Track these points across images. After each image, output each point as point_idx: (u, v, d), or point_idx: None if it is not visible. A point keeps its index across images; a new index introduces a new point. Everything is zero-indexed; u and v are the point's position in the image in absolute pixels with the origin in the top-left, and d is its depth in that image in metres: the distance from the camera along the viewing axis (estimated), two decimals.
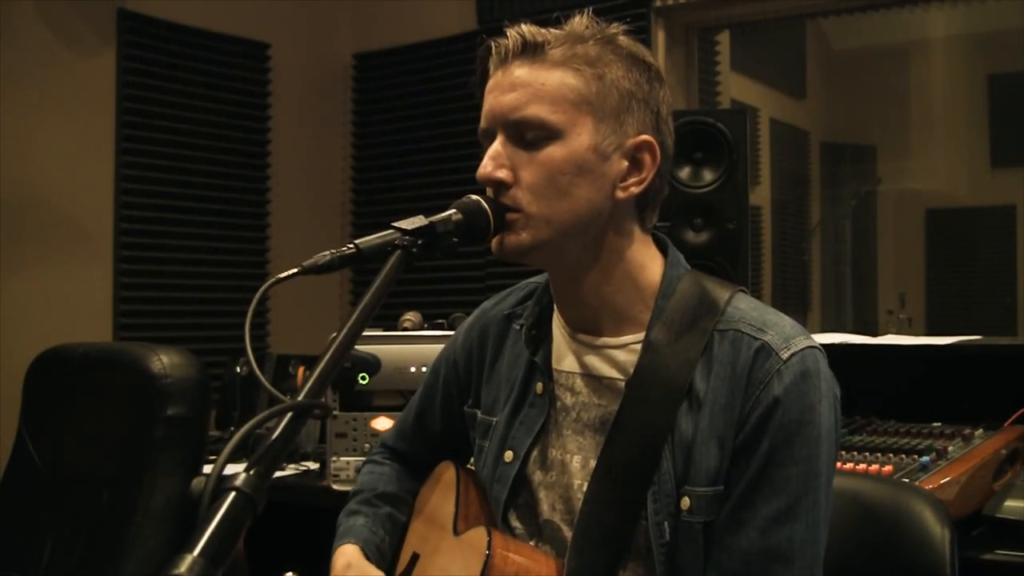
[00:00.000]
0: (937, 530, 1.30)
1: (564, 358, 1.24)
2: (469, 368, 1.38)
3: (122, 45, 3.39)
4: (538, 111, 1.13)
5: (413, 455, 1.48)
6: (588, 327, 1.22)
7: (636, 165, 1.16)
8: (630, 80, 1.16)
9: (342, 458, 2.31)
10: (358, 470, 2.31)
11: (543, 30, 1.17)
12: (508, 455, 1.25)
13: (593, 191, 1.14)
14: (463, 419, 1.39)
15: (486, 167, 1.15)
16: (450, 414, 1.42)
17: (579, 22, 1.18)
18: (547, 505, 1.23)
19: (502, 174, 1.14)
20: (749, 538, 1.07)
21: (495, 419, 1.30)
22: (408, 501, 1.44)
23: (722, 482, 1.10)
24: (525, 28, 1.17)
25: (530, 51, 1.16)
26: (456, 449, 1.42)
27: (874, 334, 2.36)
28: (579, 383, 1.22)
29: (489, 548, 1.14)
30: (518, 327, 1.30)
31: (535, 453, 1.24)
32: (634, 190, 1.16)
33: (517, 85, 1.14)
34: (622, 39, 1.18)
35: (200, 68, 3.62)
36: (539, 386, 1.25)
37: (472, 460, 1.40)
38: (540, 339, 1.26)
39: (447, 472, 1.38)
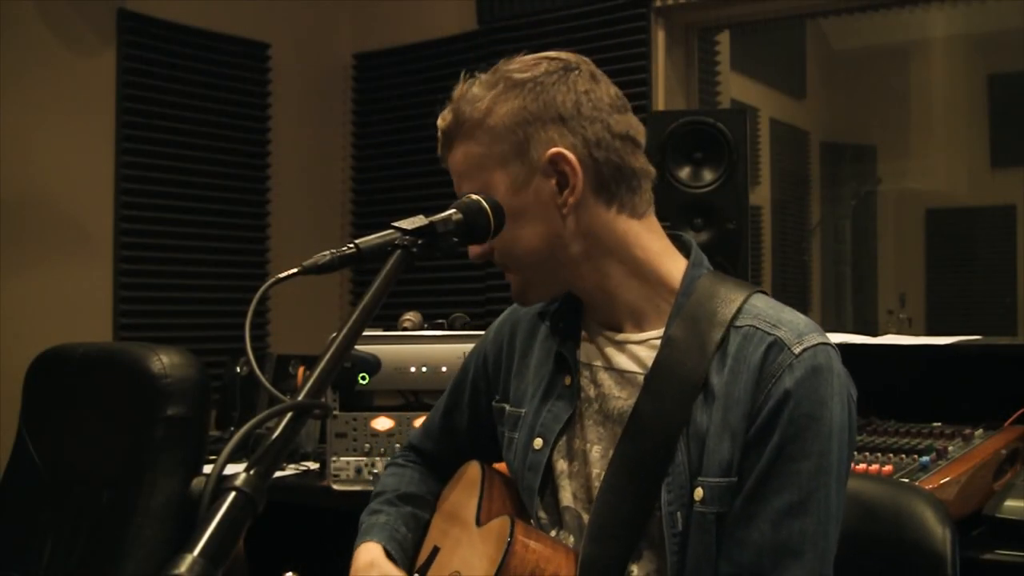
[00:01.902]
0: (938, 531, 1.30)
1: (590, 352, 1.27)
2: (499, 364, 1.40)
3: (122, 45, 3.39)
4: (463, 189, 1.21)
5: (438, 454, 1.50)
6: (611, 324, 1.25)
7: (563, 177, 1.19)
8: (512, 111, 1.19)
9: (342, 458, 2.31)
10: (358, 470, 2.32)
11: (448, 115, 1.25)
12: (538, 443, 1.28)
13: (536, 224, 1.19)
14: (490, 416, 1.41)
15: (470, 254, 1.24)
16: (477, 411, 1.44)
17: (460, 92, 1.24)
18: (569, 493, 1.25)
19: (479, 250, 1.23)
20: (761, 531, 1.09)
21: (524, 410, 1.32)
22: (431, 501, 1.46)
23: (735, 474, 1.11)
24: (439, 123, 1.26)
25: (444, 143, 1.26)
26: (482, 448, 1.43)
27: (874, 334, 2.35)
28: (602, 376, 1.25)
29: (511, 535, 1.15)
30: (547, 322, 1.33)
31: (562, 442, 1.27)
32: (571, 201, 1.19)
33: (452, 174, 1.25)
34: (504, 68, 1.23)
35: (200, 68, 3.62)
36: (567, 378, 1.27)
37: (496, 461, 1.41)
38: (567, 333, 1.29)
39: (471, 469, 1.39)
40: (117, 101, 3.39)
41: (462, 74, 1.26)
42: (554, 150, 1.18)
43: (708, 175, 2.25)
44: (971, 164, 6.08)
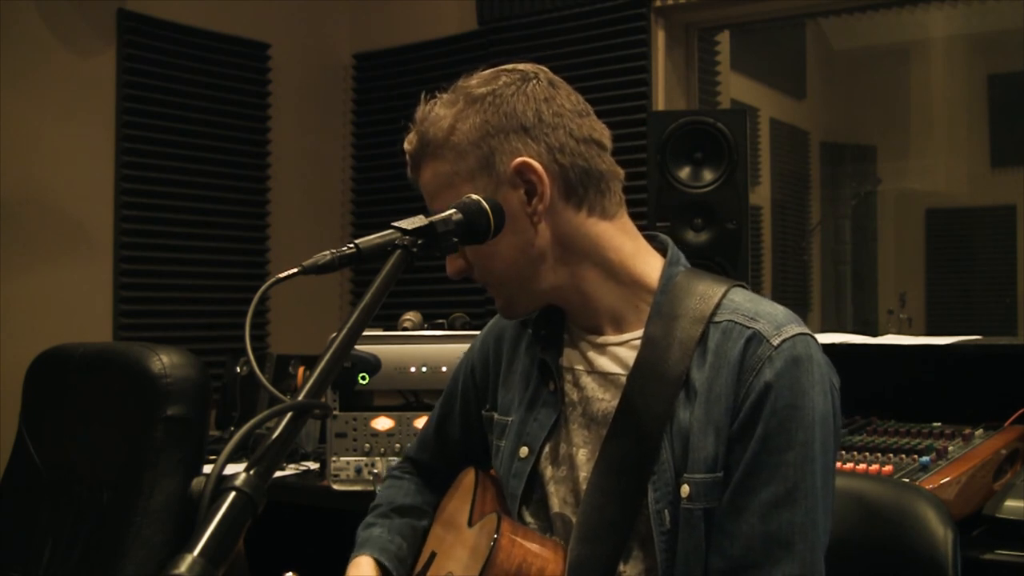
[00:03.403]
0: (940, 531, 1.30)
1: (572, 357, 1.28)
2: (486, 374, 1.41)
3: (122, 45, 3.39)
4: (436, 207, 1.18)
5: (434, 465, 1.51)
6: (591, 327, 1.26)
7: (530, 186, 1.19)
8: (475, 126, 1.20)
9: (342, 458, 2.31)
10: (358, 470, 2.32)
11: (413, 137, 1.25)
12: (523, 451, 1.28)
13: (513, 236, 1.19)
14: (481, 424, 1.42)
15: (448, 271, 1.26)
16: (468, 421, 1.45)
17: (423, 111, 1.25)
18: (558, 499, 1.25)
19: (457, 266, 1.26)
20: (750, 524, 1.09)
21: (510, 419, 1.33)
22: (427, 512, 1.47)
23: (720, 468, 1.12)
24: (406, 145, 1.26)
25: (413, 165, 1.26)
26: (476, 457, 1.44)
27: (874, 334, 2.35)
28: (585, 379, 1.25)
29: (498, 531, 1.16)
30: (531, 330, 1.34)
31: (547, 449, 1.27)
32: (540, 208, 1.19)
33: (424, 195, 1.25)
34: (464, 84, 1.24)
35: (200, 68, 3.62)
36: (551, 384, 1.28)
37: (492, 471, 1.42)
38: (550, 339, 1.30)
39: (467, 477, 1.41)
40: (117, 101, 3.39)
41: (422, 96, 1.26)
42: (519, 160, 1.18)
43: (708, 175, 2.25)
44: (971, 164, 6.08)
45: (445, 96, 1.25)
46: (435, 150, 1.22)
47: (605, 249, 1.22)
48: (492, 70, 1.25)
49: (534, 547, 1.18)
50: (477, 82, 1.23)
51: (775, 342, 1.12)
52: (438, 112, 1.23)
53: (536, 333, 1.32)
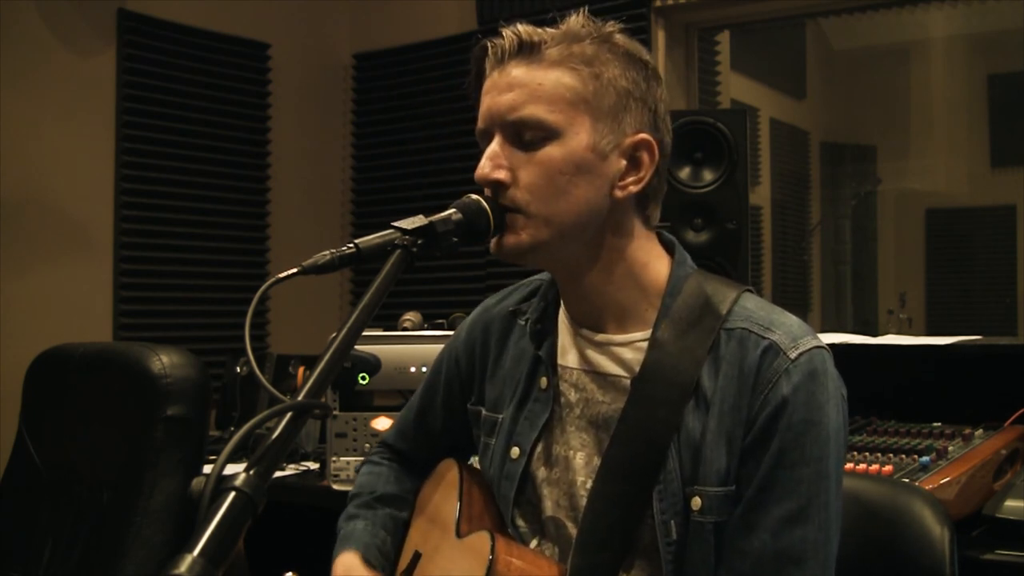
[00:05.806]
0: (937, 530, 1.30)
1: (569, 354, 1.24)
2: (472, 365, 1.37)
3: (122, 45, 3.39)
4: (535, 111, 1.12)
5: (413, 454, 1.48)
6: (593, 324, 1.22)
7: (634, 164, 1.16)
8: (627, 79, 1.15)
9: (342, 458, 2.31)
10: (358, 470, 2.31)
11: (539, 29, 1.17)
12: (514, 451, 1.25)
13: (592, 190, 1.14)
14: (465, 416, 1.38)
15: (484, 168, 1.14)
16: (451, 412, 1.41)
17: (575, 21, 1.18)
18: (551, 502, 1.23)
19: (500, 174, 1.14)
20: (762, 540, 1.07)
21: (501, 416, 1.29)
22: (408, 500, 1.43)
23: (733, 482, 1.09)
24: (521, 28, 1.17)
25: (527, 51, 1.15)
26: (457, 447, 1.42)
27: (874, 334, 2.35)
28: (583, 379, 1.22)
29: (492, 553, 1.13)
30: (523, 322, 1.30)
31: (539, 449, 1.24)
32: (632, 189, 1.16)
33: (514, 85, 1.14)
34: (619, 37, 1.18)
35: (200, 68, 3.62)
36: (543, 381, 1.25)
37: (472, 458, 1.40)
38: (545, 334, 1.26)
39: (450, 471, 1.37)
40: (117, 101, 3.39)
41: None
42: (646, 135, 1.15)
43: (708, 175, 2.24)
44: (971, 164, 6.09)
45: (588, 36, 1.16)
46: (575, 63, 1.13)
47: (638, 251, 1.19)
48: (630, 40, 1.19)
49: (530, 567, 1.15)
50: (626, 41, 1.18)
51: (792, 355, 1.10)
52: (588, 39, 1.15)
53: (531, 326, 1.27)
